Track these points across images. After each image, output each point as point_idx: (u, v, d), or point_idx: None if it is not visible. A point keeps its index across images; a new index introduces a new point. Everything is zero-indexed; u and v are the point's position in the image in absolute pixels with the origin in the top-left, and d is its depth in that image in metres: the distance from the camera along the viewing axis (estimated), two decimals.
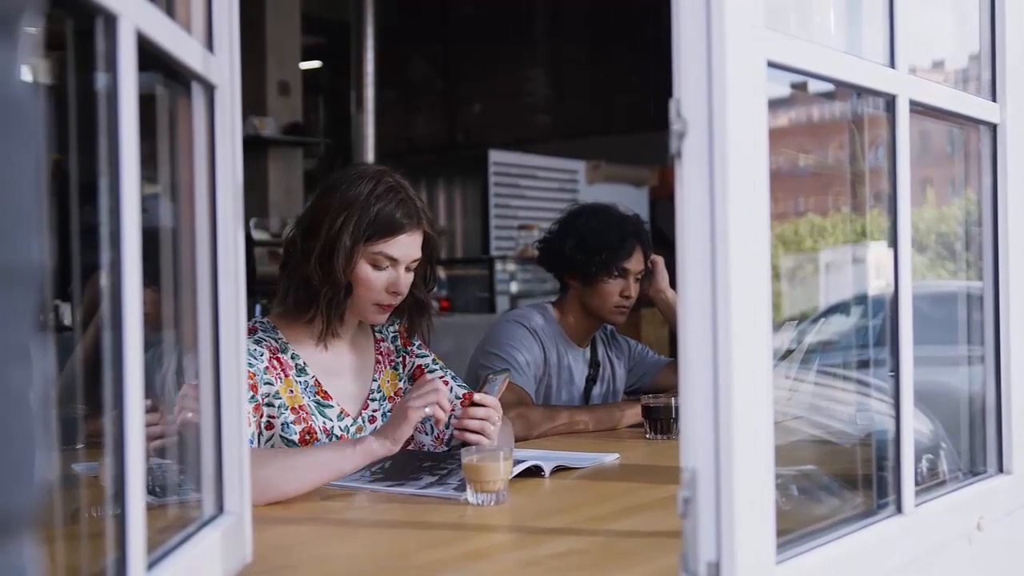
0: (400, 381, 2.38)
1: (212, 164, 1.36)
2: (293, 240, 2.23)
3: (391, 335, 2.42)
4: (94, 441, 1.31)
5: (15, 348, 0.56)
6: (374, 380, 2.34)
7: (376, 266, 2.18)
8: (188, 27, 1.30)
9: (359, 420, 2.27)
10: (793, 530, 1.34)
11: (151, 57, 1.12)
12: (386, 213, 2.16)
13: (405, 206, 2.19)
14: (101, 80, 1.03)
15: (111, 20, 1.00)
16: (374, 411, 2.31)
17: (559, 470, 2.17)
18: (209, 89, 1.35)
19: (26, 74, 0.58)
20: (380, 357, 2.37)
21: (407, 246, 2.20)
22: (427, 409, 1.97)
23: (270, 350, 2.17)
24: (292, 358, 2.21)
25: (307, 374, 2.22)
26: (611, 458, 2.34)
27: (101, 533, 1.14)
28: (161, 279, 1.35)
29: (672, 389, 2.95)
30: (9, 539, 0.56)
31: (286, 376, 2.18)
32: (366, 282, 2.18)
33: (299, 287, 2.19)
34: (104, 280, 1.02)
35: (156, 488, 1.38)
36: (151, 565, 1.10)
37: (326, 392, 2.23)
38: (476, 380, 2.91)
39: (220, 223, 1.36)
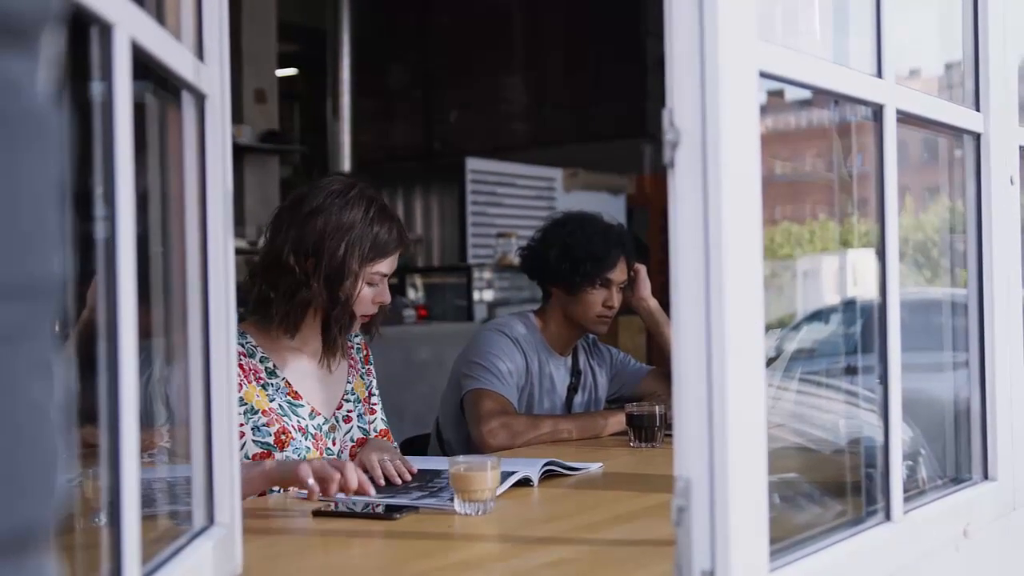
0: (366, 390, 2.47)
1: (202, 173, 1.36)
2: (281, 259, 2.23)
3: (356, 345, 2.50)
4: (80, 453, 1.30)
5: (37, 361, 0.56)
6: (348, 382, 2.42)
7: (370, 284, 2.29)
8: (178, 35, 1.29)
9: (332, 419, 2.35)
10: (785, 538, 1.34)
11: (142, 65, 1.12)
12: (383, 235, 2.27)
13: (397, 226, 2.32)
14: (95, 88, 1.02)
15: (106, 29, 0.99)
16: (348, 411, 2.39)
17: (548, 476, 2.17)
18: (200, 98, 1.34)
19: (47, 86, 0.57)
20: (352, 361, 2.45)
21: (395, 261, 2.33)
22: (311, 481, 1.89)
23: None
24: (261, 362, 2.27)
25: (278, 376, 2.27)
26: (595, 467, 2.34)
27: (89, 544, 1.13)
28: (150, 288, 1.34)
29: (654, 397, 2.96)
30: (35, 551, 0.56)
31: (250, 383, 2.23)
32: (362, 300, 2.28)
33: (301, 308, 2.24)
34: (99, 289, 1.01)
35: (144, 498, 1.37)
36: None
37: (296, 392, 2.29)
38: (458, 389, 2.91)
39: (211, 232, 1.36)
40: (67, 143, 0.60)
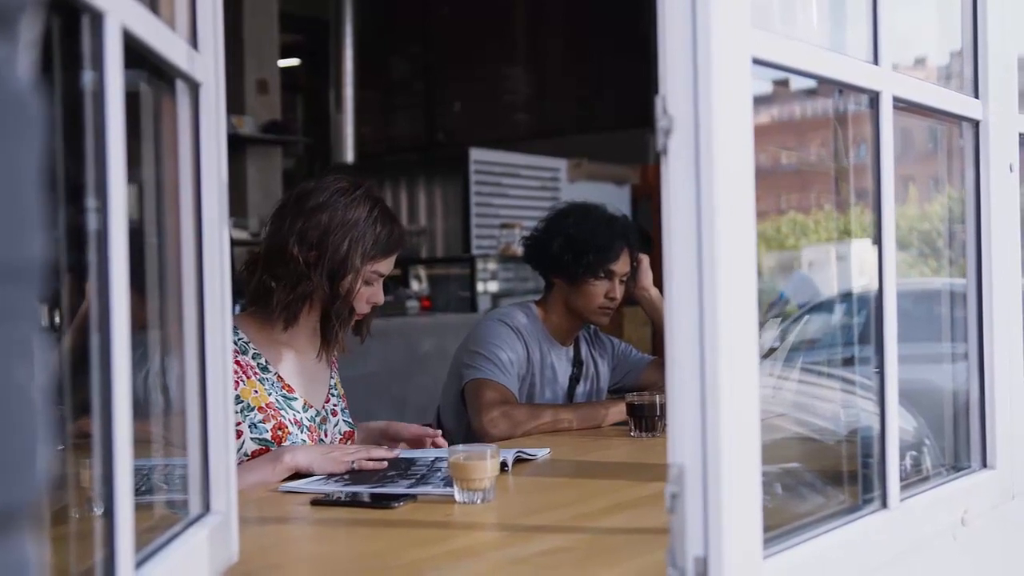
0: (341, 387, 2.53)
1: (197, 163, 1.36)
2: (286, 251, 2.25)
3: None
4: (76, 443, 1.31)
5: (19, 343, 0.56)
6: (332, 377, 2.47)
7: (367, 283, 2.32)
8: (172, 24, 1.29)
9: (323, 412, 2.39)
10: (780, 525, 1.34)
11: (135, 55, 1.12)
12: (385, 235, 2.32)
13: (398, 227, 2.36)
14: (86, 78, 1.02)
15: (97, 17, 0.99)
16: (334, 405, 2.45)
17: (519, 461, 2.23)
18: (194, 87, 1.34)
19: (26, 70, 0.58)
20: (333, 359, 2.50)
21: (392, 262, 2.38)
22: (354, 465, 2.13)
23: None
24: (253, 358, 2.30)
25: (270, 371, 2.30)
26: (543, 452, 2.38)
27: (85, 533, 1.13)
28: (145, 280, 1.34)
29: (656, 387, 2.96)
30: (13, 533, 0.56)
31: (248, 378, 2.26)
32: (358, 297, 2.32)
33: (300, 299, 2.28)
34: (91, 280, 1.01)
35: (139, 487, 1.37)
36: (139, 564, 1.10)
37: (289, 386, 2.33)
38: (459, 379, 2.92)
39: (206, 222, 1.36)
40: (47, 128, 0.60)
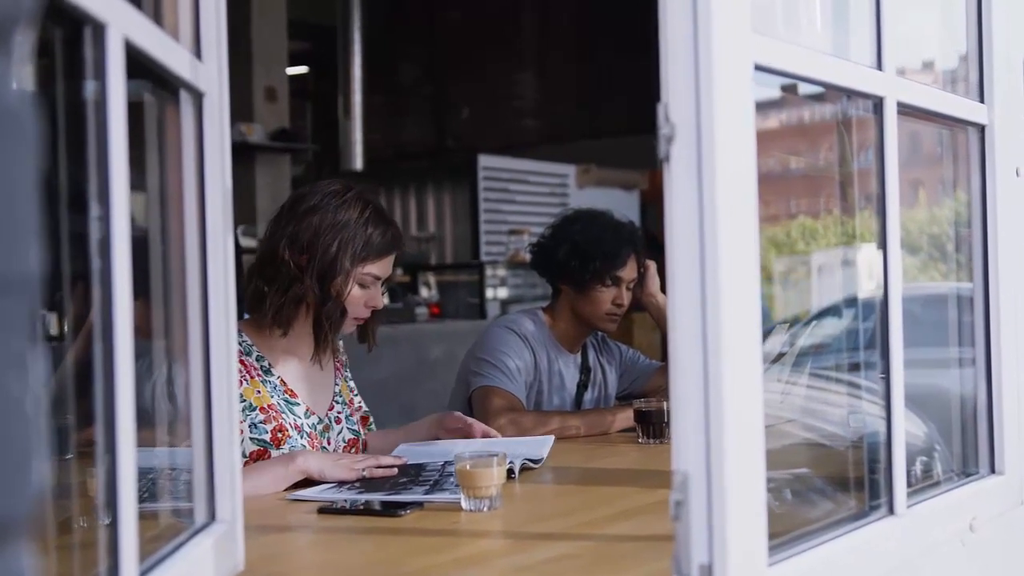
0: (351, 392, 2.52)
1: (201, 172, 1.36)
2: (277, 254, 2.26)
3: (340, 349, 2.55)
4: (84, 451, 1.31)
5: (13, 356, 0.56)
6: (336, 384, 2.46)
7: (362, 285, 2.32)
8: (176, 35, 1.30)
9: (326, 419, 2.39)
10: (786, 532, 1.34)
11: (138, 65, 1.12)
12: (377, 237, 2.30)
13: (393, 229, 2.35)
14: (89, 88, 1.02)
15: (99, 29, 1.00)
16: (338, 413, 2.44)
17: (526, 469, 2.23)
18: (197, 97, 1.35)
19: (21, 83, 0.58)
20: (338, 365, 2.50)
21: (390, 265, 2.36)
22: (365, 472, 2.12)
23: None
24: (257, 360, 2.30)
25: (273, 375, 2.31)
26: (548, 441, 2.42)
27: (91, 543, 1.14)
28: (150, 289, 1.35)
29: (663, 393, 2.95)
30: (9, 544, 0.56)
31: (252, 378, 2.26)
32: (352, 300, 2.31)
33: (293, 303, 2.27)
34: (95, 289, 1.02)
35: (144, 495, 1.37)
36: (143, 573, 1.10)
37: (292, 391, 2.33)
38: (467, 386, 2.92)
39: (210, 231, 1.36)
40: (49, 139, 0.60)
